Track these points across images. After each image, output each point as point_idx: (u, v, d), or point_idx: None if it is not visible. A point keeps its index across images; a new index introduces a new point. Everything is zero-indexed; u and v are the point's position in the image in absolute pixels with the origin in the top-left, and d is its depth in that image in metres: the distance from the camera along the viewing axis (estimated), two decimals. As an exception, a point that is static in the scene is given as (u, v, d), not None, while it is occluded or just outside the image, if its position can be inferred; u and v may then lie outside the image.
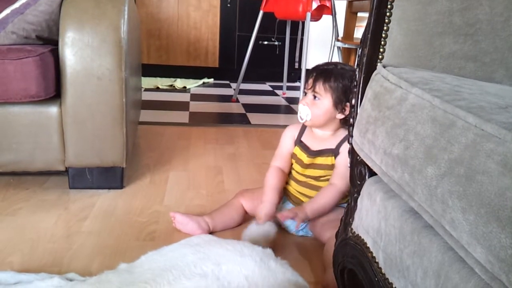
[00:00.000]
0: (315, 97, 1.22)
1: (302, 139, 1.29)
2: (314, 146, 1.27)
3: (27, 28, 1.38)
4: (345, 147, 1.21)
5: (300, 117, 1.25)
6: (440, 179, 0.53)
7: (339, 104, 1.21)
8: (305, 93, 1.25)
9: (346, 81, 1.20)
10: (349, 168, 1.19)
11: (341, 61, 3.23)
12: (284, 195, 1.33)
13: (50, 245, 1.16)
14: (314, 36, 4.07)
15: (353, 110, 0.86)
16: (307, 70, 1.91)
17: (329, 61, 1.33)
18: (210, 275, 0.83)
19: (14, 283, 0.95)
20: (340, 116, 1.23)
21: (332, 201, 1.21)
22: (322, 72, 1.22)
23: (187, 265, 0.85)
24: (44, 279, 0.95)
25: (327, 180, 1.25)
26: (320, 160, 1.25)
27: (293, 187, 1.31)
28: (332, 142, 1.25)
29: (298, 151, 1.29)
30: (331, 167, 1.24)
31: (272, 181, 1.28)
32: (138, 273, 0.88)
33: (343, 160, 1.21)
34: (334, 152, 1.24)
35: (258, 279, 0.84)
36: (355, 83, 0.86)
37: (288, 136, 1.32)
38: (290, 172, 1.33)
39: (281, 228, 1.31)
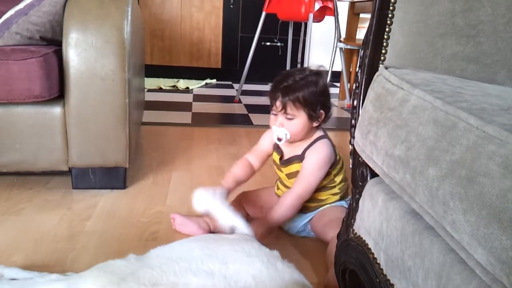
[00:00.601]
0: (287, 117, 1.19)
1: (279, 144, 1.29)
2: (287, 154, 1.27)
3: (31, 29, 1.39)
4: (309, 152, 1.21)
5: (278, 139, 1.21)
6: (442, 180, 0.53)
7: (313, 114, 1.19)
8: (274, 114, 1.21)
9: (311, 87, 1.17)
10: (309, 172, 1.20)
11: (342, 62, 3.23)
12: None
13: (53, 244, 1.16)
14: (316, 37, 4.07)
15: (354, 111, 0.86)
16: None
17: (286, 70, 1.27)
18: (217, 274, 0.83)
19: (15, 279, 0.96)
20: (316, 124, 1.22)
21: (291, 207, 1.20)
22: (288, 92, 1.16)
23: (194, 259, 0.86)
24: (44, 276, 0.95)
25: None
26: (293, 168, 1.25)
27: (282, 192, 1.31)
28: (299, 149, 1.24)
29: (275, 156, 1.30)
30: None
31: (236, 171, 1.30)
32: (145, 261, 0.89)
33: (306, 164, 1.21)
34: (301, 158, 1.23)
35: (266, 279, 0.83)
36: (356, 84, 0.86)
37: (268, 138, 1.32)
38: (278, 178, 1.33)
39: (282, 230, 1.31)
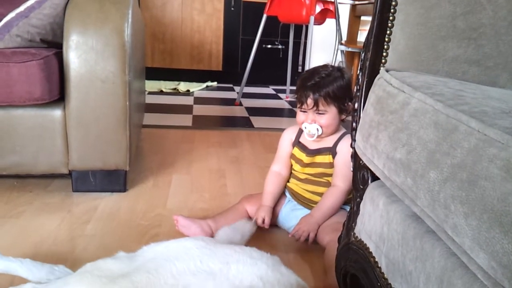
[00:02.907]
0: (318, 113, 1.23)
1: (300, 140, 1.32)
2: (312, 145, 1.29)
3: (32, 31, 1.39)
4: (342, 146, 1.25)
5: (309, 135, 1.25)
6: (443, 184, 0.53)
7: (343, 107, 1.24)
8: (304, 111, 1.25)
9: (339, 82, 1.22)
10: (347, 166, 1.21)
11: (343, 65, 3.23)
12: (288, 193, 1.36)
13: (53, 248, 1.16)
14: (317, 39, 4.07)
15: (355, 114, 0.86)
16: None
17: (310, 68, 1.33)
18: (219, 274, 0.78)
19: None
20: (344, 116, 1.26)
21: (337, 202, 1.24)
22: (317, 89, 1.21)
23: (192, 259, 0.81)
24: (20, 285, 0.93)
25: (326, 175, 1.28)
26: (319, 158, 1.28)
27: (295, 185, 1.34)
28: (329, 141, 1.27)
29: (297, 152, 1.32)
30: (330, 165, 1.27)
31: (269, 187, 1.32)
32: (139, 261, 0.84)
33: (341, 160, 1.24)
34: (332, 151, 1.26)
35: (274, 280, 0.79)
36: (357, 87, 0.86)
37: (286, 139, 1.35)
38: (291, 172, 1.36)
39: (281, 231, 1.31)
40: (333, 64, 1.36)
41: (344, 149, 1.24)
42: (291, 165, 1.35)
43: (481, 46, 0.80)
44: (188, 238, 0.94)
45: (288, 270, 0.86)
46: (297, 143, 1.32)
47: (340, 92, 1.21)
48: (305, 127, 1.25)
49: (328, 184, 1.28)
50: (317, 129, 1.23)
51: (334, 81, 1.21)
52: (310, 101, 1.22)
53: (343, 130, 1.29)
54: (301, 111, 1.26)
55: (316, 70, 1.27)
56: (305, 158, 1.29)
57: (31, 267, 0.96)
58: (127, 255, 0.90)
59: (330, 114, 1.23)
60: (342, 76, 1.24)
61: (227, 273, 0.79)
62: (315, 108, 1.22)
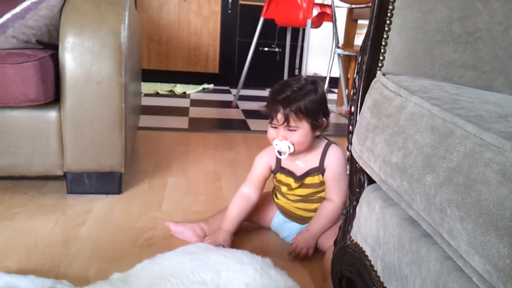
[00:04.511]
0: (290, 129, 1.15)
1: (283, 165, 1.24)
2: (298, 170, 1.23)
3: (28, 33, 1.39)
4: (329, 161, 1.20)
5: (281, 153, 1.18)
6: (439, 187, 0.53)
7: (316, 123, 1.16)
8: (274, 127, 1.18)
9: (312, 96, 1.14)
10: (338, 180, 1.19)
11: (340, 68, 3.23)
12: (277, 209, 1.31)
13: (47, 250, 1.15)
14: (314, 43, 4.08)
15: (352, 117, 0.86)
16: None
17: (282, 80, 1.25)
18: (210, 283, 0.82)
19: None
20: (318, 132, 1.19)
21: (334, 217, 1.21)
22: (288, 103, 1.12)
23: (185, 273, 0.84)
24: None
25: (318, 193, 1.24)
26: (308, 180, 1.22)
27: (285, 203, 1.28)
28: (314, 160, 1.21)
29: (283, 178, 1.25)
30: (320, 184, 1.22)
31: (234, 211, 1.23)
32: (134, 283, 0.86)
33: (331, 175, 1.20)
34: (320, 170, 1.21)
35: (260, 287, 0.82)
36: (354, 90, 0.86)
37: (262, 163, 1.27)
38: (279, 191, 1.28)
39: (278, 236, 1.31)
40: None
41: (332, 163, 1.19)
42: (263, 187, 1.28)
43: (477, 51, 0.80)
44: (181, 253, 0.95)
45: (278, 273, 0.88)
46: (279, 169, 1.24)
47: (312, 106, 1.13)
48: (276, 144, 1.17)
49: (320, 200, 1.23)
50: (289, 146, 1.15)
51: (306, 95, 1.13)
52: (280, 116, 1.13)
53: (323, 143, 1.22)
54: (271, 126, 1.18)
55: (288, 82, 1.18)
56: (294, 184, 1.23)
57: (35, 280, 0.96)
58: (122, 276, 0.91)
59: (302, 131, 1.14)
60: (315, 89, 1.15)
61: (218, 281, 0.82)
62: (285, 124, 1.14)
